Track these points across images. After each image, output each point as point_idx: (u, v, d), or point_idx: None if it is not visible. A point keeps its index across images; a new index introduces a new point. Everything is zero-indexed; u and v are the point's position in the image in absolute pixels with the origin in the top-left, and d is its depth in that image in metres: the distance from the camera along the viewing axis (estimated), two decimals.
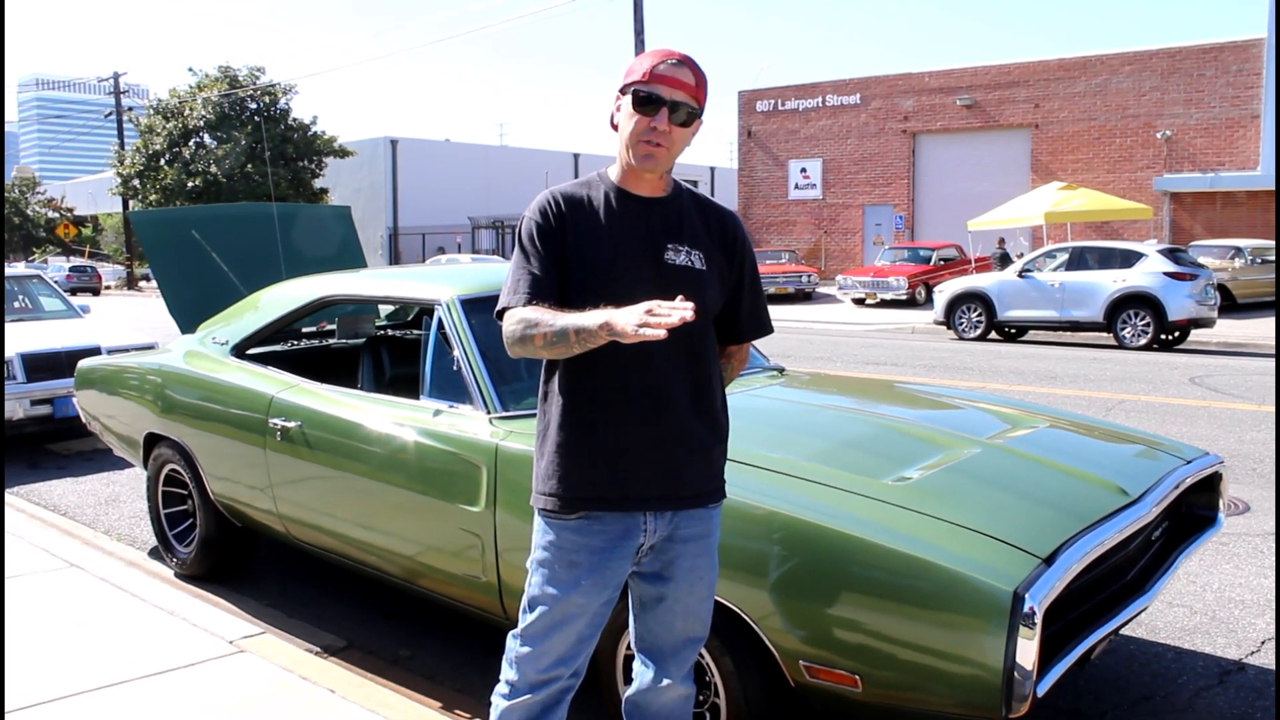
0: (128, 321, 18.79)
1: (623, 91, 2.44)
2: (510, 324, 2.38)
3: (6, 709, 3.53)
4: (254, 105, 43.79)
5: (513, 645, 2.56)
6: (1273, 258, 22.43)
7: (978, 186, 31.68)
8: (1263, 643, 4.40)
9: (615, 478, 2.43)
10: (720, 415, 2.58)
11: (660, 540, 2.51)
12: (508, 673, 2.57)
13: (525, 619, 2.53)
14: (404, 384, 4.64)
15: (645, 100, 2.37)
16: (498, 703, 2.59)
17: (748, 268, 2.61)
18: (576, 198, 2.48)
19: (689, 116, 2.40)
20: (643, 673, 2.70)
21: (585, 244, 2.43)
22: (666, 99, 2.37)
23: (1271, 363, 13.96)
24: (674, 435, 2.45)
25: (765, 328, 2.71)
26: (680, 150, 2.44)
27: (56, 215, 62.16)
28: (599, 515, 2.45)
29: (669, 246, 2.46)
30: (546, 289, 2.39)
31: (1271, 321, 18.65)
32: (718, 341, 2.63)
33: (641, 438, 2.43)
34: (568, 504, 2.44)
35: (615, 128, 2.48)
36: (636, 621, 2.67)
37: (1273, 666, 4.17)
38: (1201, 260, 18.92)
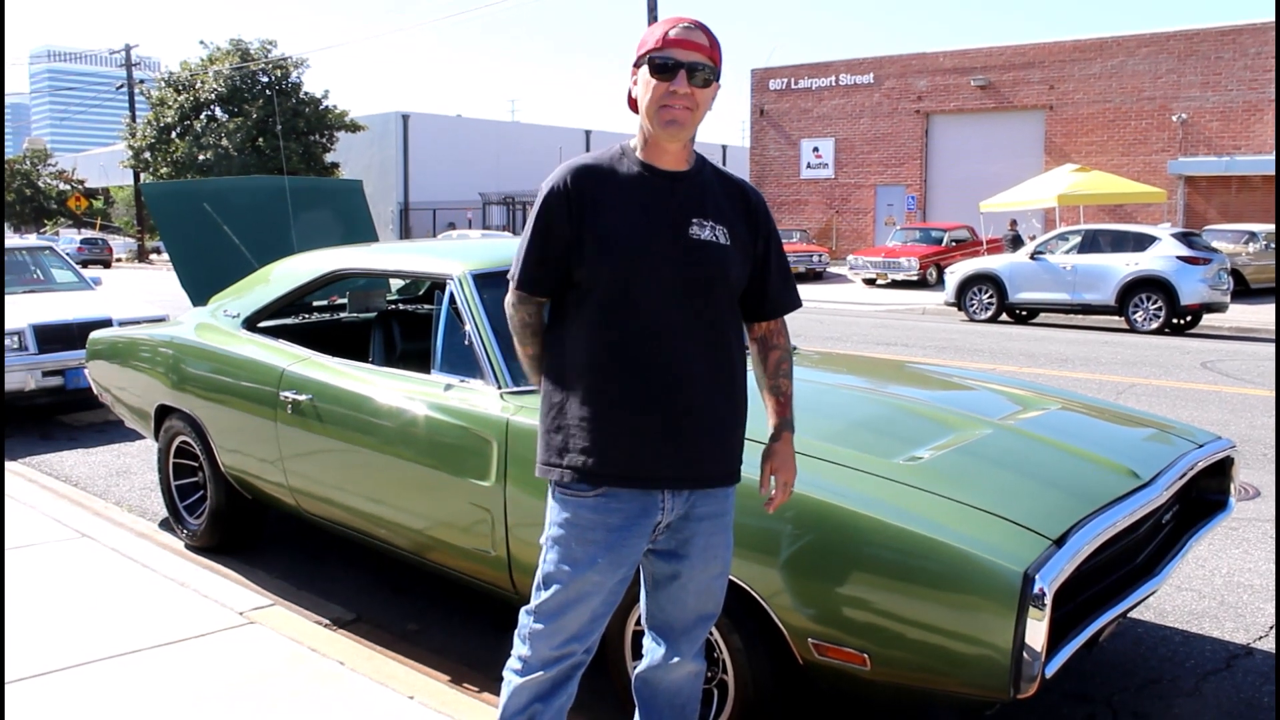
0: (139, 294, 18.83)
1: (637, 65, 2.41)
2: (511, 312, 2.58)
3: (19, 677, 3.56)
4: (265, 79, 43.71)
5: (526, 621, 2.56)
6: None
7: (990, 168, 31.54)
8: (1270, 628, 4.39)
9: (633, 457, 2.41)
10: (741, 393, 2.55)
11: (676, 519, 2.50)
12: (520, 649, 2.57)
13: (539, 596, 2.52)
14: (415, 358, 4.64)
15: (662, 66, 2.35)
16: (510, 678, 2.59)
17: (773, 240, 2.58)
18: (599, 171, 2.45)
19: (708, 78, 2.38)
20: (653, 649, 2.70)
21: (606, 218, 2.40)
22: (684, 61, 2.34)
23: None
24: (693, 414, 2.43)
25: (794, 300, 2.68)
26: (702, 115, 2.41)
27: (68, 187, 62.20)
28: (617, 493, 2.43)
29: (693, 221, 2.43)
30: (542, 280, 2.48)
31: None
32: (747, 320, 2.62)
33: (660, 418, 2.41)
34: (588, 479, 2.42)
35: (633, 105, 2.46)
36: (648, 598, 2.67)
37: None
38: (1215, 245, 18.84)
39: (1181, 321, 16.58)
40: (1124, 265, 16.75)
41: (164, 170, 43.15)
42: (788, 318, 2.73)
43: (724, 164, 59.54)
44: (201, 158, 41.70)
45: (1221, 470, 3.92)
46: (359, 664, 3.72)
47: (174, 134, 43.62)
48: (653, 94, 2.37)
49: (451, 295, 4.02)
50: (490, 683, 3.63)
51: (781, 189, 36.74)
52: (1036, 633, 2.57)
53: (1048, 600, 2.56)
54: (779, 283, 2.62)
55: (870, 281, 27.03)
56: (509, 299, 2.58)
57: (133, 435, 7.95)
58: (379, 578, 5.01)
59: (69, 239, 45.28)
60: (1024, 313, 18.52)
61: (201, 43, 44.63)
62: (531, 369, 2.63)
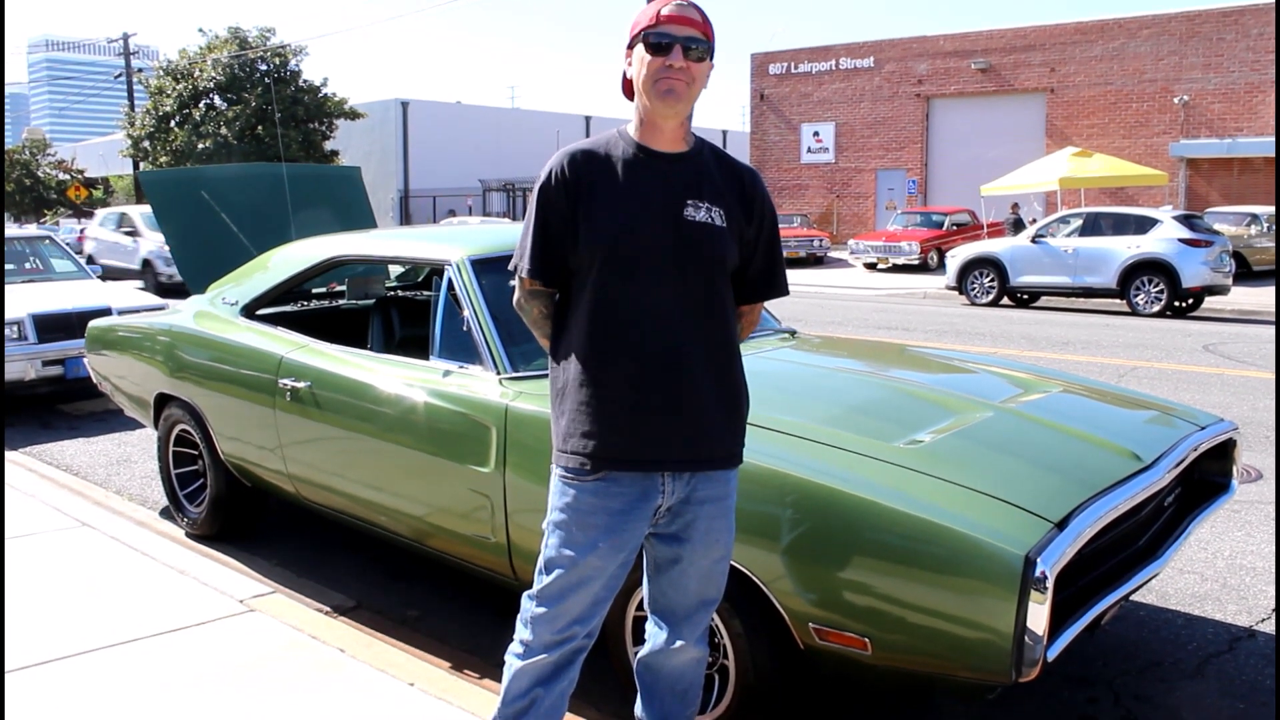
0: (138, 283, 18.82)
1: (631, 45, 2.43)
2: (525, 307, 2.57)
3: (20, 666, 3.55)
4: (264, 67, 43.57)
5: (528, 606, 2.56)
6: None
7: (991, 151, 31.45)
8: (1272, 610, 4.39)
9: (633, 439, 2.41)
10: (739, 375, 2.55)
11: (678, 502, 2.50)
12: (523, 633, 2.57)
13: (541, 580, 2.52)
14: (414, 345, 4.63)
15: (658, 43, 2.36)
16: (512, 662, 2.59)
17: (766, 226, 2.57)
18: (594, 155, 2.46)
19: (702, 53, 2.40)
20: (656, 634, 2.70)
21: (602, 201, 2.40)
22: (680, 36, 2.37)
23: None
24: (692, 395, 2.43)
25: (780, 288, 2.66)
26: (699, 91, 2.42)
27: (67, 177, 62.05)
28: (617, 477, 2.43)
29: (689, 203, 2.43)
30: (549, 267, 2.48)
31: None
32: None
33: (658, 399, 2.40)
34: (587, 463, 2.42)
35: (627, 88, 2.48)
36: (650, 583, 2.66)
37: None
38: (1217, 227, 18.78)
39: (1183, 304, 16.54)
40: (1125, 248, 16.71)
41: (163, 159, 43.02)
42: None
43: (724, 149, 59.54)
44: (201, 146, 41.58)
45: (1223, 453, 3.90)
46: (359, 651, 3.72)
47: (173, 123, 43.47)
48: (649, 69, 2.38)
49: (450, 281, 4.00)
50: (491, 669, 3.63)
51: (782, 174, 36.66)
52: (1038, 616, 2.55)
53: (1049, 583, 2.55)
54: (766, 270, 2.61)
55: (871, 266, 26.99)
56: (518, 296, 2.57)
57: (133, 424, 7.94)
58: (379, 565, 5.00)
59: (69, 229, 45.21)
60: (1025, 296, 18.49)
61: (200, 31, 44.45)
62: None
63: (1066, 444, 3.40)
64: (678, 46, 2.36)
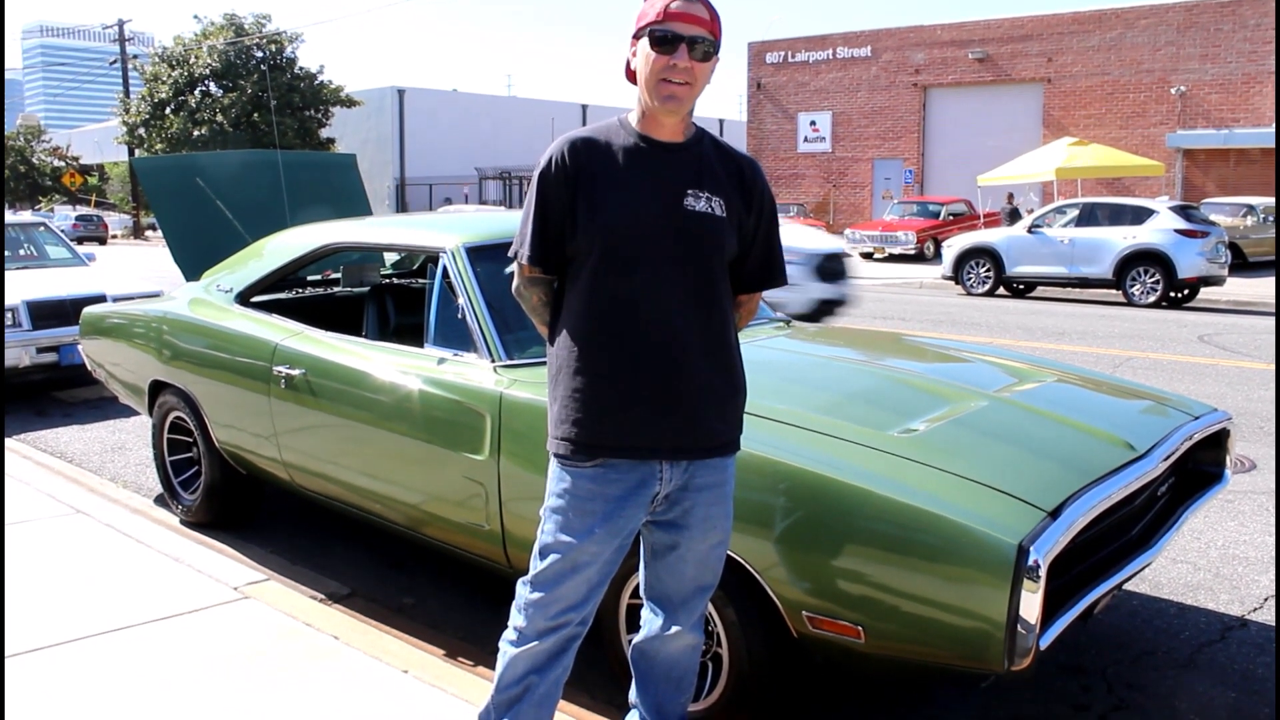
0: (133, 270, 18.79)
1: (637, 36, 2.41)
2: (524, 294, 2.57)
3: (16, 652, 3.55)
4: (260, 54, 43.46)
5: (522, 592, 2.56)
6: None
7: (988, 141, 31.44)
8: (1265, 599, 4.40)
9: (629, 427, 2.41)
10: (736, 364, 2.55)
11: (675, 489, 2.50)
12: (516, 619, 2.57)
13: (537, 566, 2.52)
14: (408, 332, 4.62)
15: (663, 39, 2.34)
16: (505, 649, 2.59)
17: (765, 215, 2.57)
18: (595, 143, 2.45)
19: (708, 51, 2.37)
20: (651, 620, 2.70)
21: (602, 190, 2.40)
22: (685, 35, 2.34)
23: None
24: (689, 385, 2.42)
25: (778, 278, 2.66)
26: (701, 89, 2.41)
27: (62, 164, 61.87)
28: (615, 464, 2.43)
29: (689, 193, 2.43)
30: (549, 254, 2.47)
31: None
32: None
33: (655, 387, 2.40)
34: (582, 450, 2.42)
35: (631, 76, 2.46)
36: (647, 569, 2.66)
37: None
38: (1213, 218, 18.82)
39: (1179, 295, 16.55)
40: (1121, 238, 16.71)
41: (159, 146, 42.95)
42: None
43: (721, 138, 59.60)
44: (196, 133, 41.52)
45: (1217, 442, 3.91)
46: (354, 638, 3.72)
47: (168, 110, 43.41)
48: (652, 67, 2.36)
49: (445, 268, 3.99)
50: (486, 657, 3.63)
51: (778, 163, 36.62)
52: (1031, 605, 2.56)
53: (1042, 572, 2.55)
54: (765, 260, 2.61)
55: (867, 255, 26.97)
56: (517, 283, 2.57)
57: (128, 411, 7.93)
58: (374, 553, 5.00)
59: (64, 215, 45.12)
60: (1021, 286, 18.50)
61: (195, 17, 44.38)
62: None
63: (1060, 433, 3.39)
64: (683, 45, 2.33)
